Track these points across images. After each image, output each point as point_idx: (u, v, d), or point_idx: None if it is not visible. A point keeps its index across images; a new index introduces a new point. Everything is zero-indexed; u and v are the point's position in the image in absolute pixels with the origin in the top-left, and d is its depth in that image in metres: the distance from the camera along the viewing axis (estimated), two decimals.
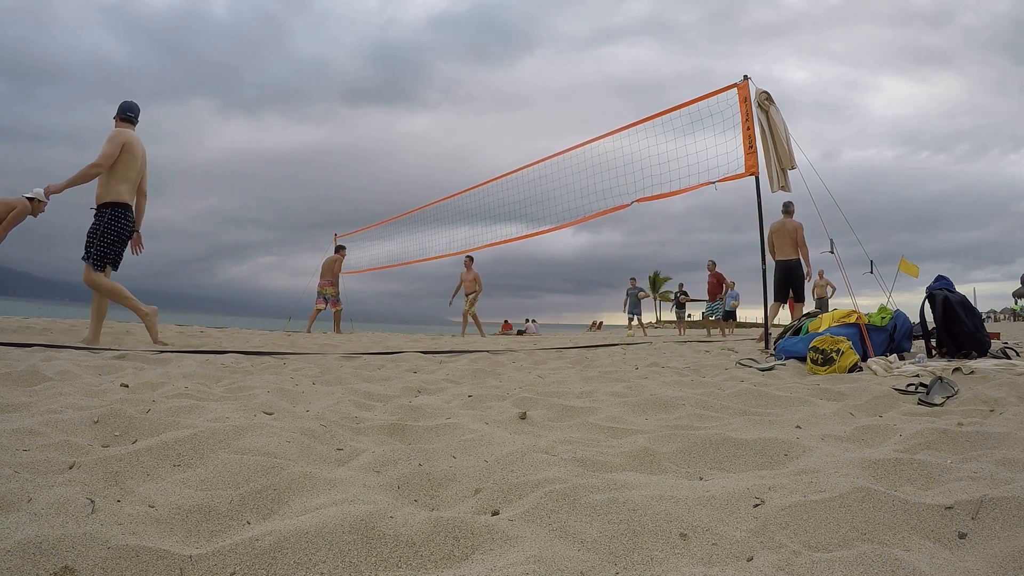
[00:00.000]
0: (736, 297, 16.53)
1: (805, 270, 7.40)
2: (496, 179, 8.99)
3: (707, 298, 13.92)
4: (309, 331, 10.31)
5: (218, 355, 4.08)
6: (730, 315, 16.61)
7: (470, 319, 12.14)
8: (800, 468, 1.36)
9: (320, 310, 10.85)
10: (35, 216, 5.21)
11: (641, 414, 2.20)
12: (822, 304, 14.16)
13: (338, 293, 11.02)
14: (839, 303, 13.99)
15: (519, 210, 8.47)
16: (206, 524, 1.06)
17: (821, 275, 14.40)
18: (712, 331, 13.97)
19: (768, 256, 6.95)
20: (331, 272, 11.02)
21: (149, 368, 3.13)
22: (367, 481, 1.28)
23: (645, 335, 14.41)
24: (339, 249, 11.43)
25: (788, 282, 7.40)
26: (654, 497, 1.09)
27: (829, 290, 14.26)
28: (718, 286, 13.47)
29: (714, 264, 13.47)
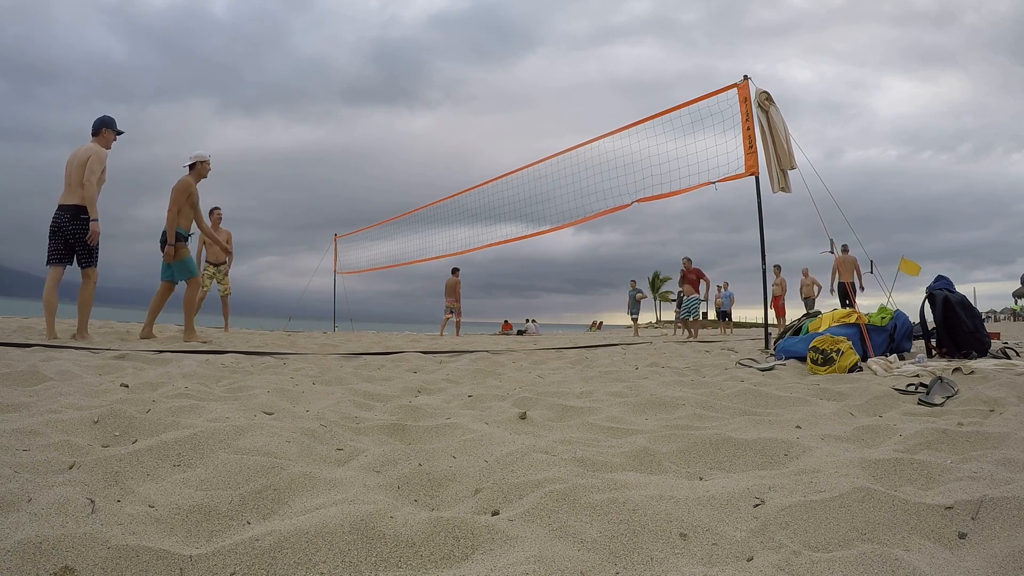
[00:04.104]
0: (730, 297, 16.49)
1: (858, 286, 11.30)
2: (497, 179, 8.99)
3: (700, 297, 12.97)
4: (442, 334, 12.62)
5: (218, 355, 4.08)
6: (726, 315, 16.57)
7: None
8: (800, 468, 1.36)
9: (448, 319, 13.35)
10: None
11: (641, 414, 2.20)
12: (809, 304, 14.02)
13: (458, 305, 13.42)
14: (832, 303, 13.78)
15: (519, 210, 8.47)
16: (206, 524, 1.06)
17: (806, 273, 14.15)
18: (686, 331, 12.44)
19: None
20: (454, 291, 13.31)
21: (149, 368, 3.13)
22: (367, 481, 1.28)
23: (636, 334, 14.36)
24: (455, 271, 13.50)
25: (844, 296, 11.01)
26: (654, 497, 1.09)
27: (816, 289, 14.11)
28: (698, 282, 12.60)
29: (690, 261, 12.24)
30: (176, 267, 5.59)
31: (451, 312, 13.42)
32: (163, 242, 5.57)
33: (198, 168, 5.68)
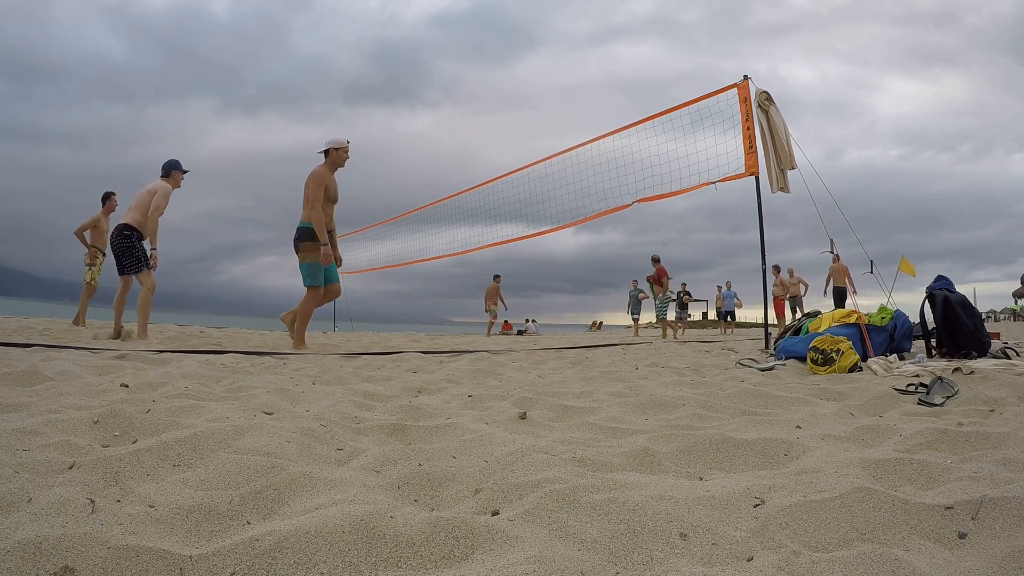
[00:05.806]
0: (733, 297, 16.50)
1: (850, 291, 12.42)
2: (497, 179, 8.99)
3: (682, 296, 13.10)
4: (488, 335, 13.57)
5: (218, 355, 4.08)
6: (729, 315, 16.59)
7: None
8: (800, 468, 1.36)
9: (492, 321, 14.66)
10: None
11: (641, 414, 2.20)
12: (795, 304, 14.04)
13: (497, 308, 14.67)
14: (826, 303, 13.79)
15: (520, 210, 8.47)
16: (206, 524, 1.06)
17: (791, 273, 14.15)
18: (667, 330, 12.52)
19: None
20: (495, 296, 14.55)
21: (149, 368, 3.13)
22: (367, 481, 1.28)
23: (637, 334, 14.39)
24: (495, 277, 14.82)
25: (839, 300, 12.21)
26: (654, 497, 1.09)
27: (802, 288, 14.11)
28: (660, 280, 12.57)
29: (657, 260, 12.28)
30: (305, 269, 5.02)
31: (493, 315, 14.61)
32: (296, 240, 4.98)
33: (332, 156, 5.02)
